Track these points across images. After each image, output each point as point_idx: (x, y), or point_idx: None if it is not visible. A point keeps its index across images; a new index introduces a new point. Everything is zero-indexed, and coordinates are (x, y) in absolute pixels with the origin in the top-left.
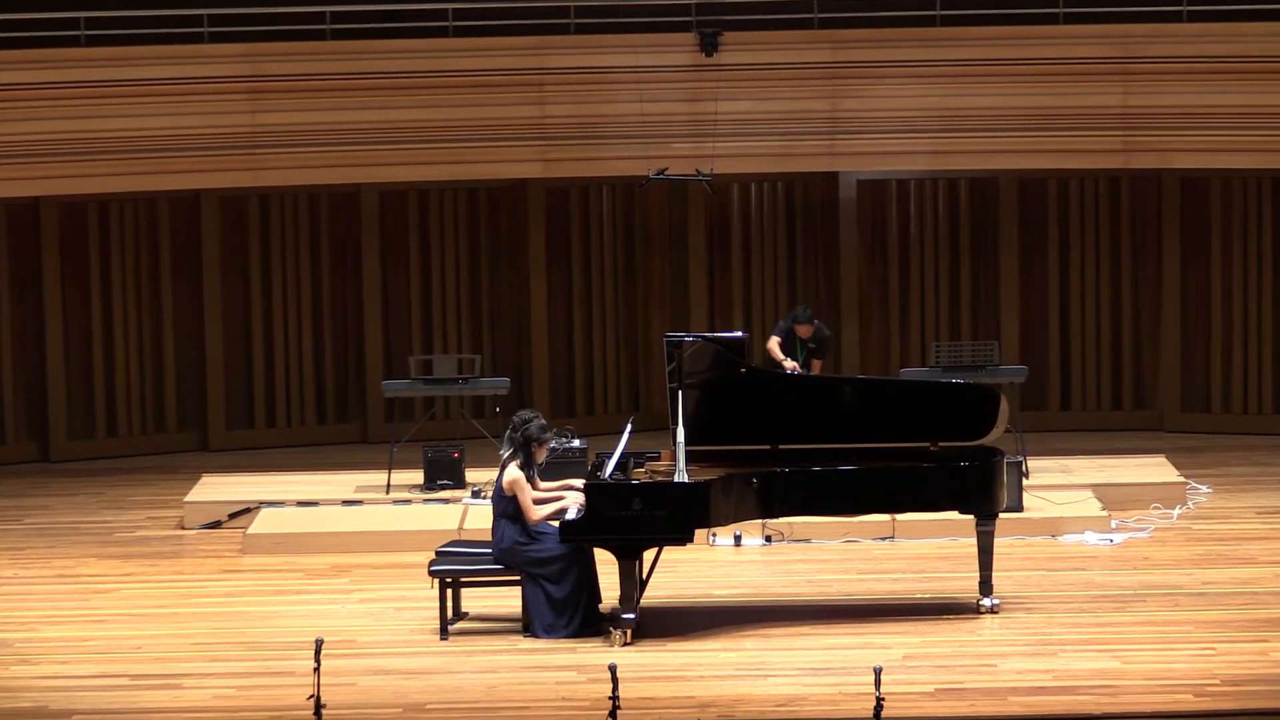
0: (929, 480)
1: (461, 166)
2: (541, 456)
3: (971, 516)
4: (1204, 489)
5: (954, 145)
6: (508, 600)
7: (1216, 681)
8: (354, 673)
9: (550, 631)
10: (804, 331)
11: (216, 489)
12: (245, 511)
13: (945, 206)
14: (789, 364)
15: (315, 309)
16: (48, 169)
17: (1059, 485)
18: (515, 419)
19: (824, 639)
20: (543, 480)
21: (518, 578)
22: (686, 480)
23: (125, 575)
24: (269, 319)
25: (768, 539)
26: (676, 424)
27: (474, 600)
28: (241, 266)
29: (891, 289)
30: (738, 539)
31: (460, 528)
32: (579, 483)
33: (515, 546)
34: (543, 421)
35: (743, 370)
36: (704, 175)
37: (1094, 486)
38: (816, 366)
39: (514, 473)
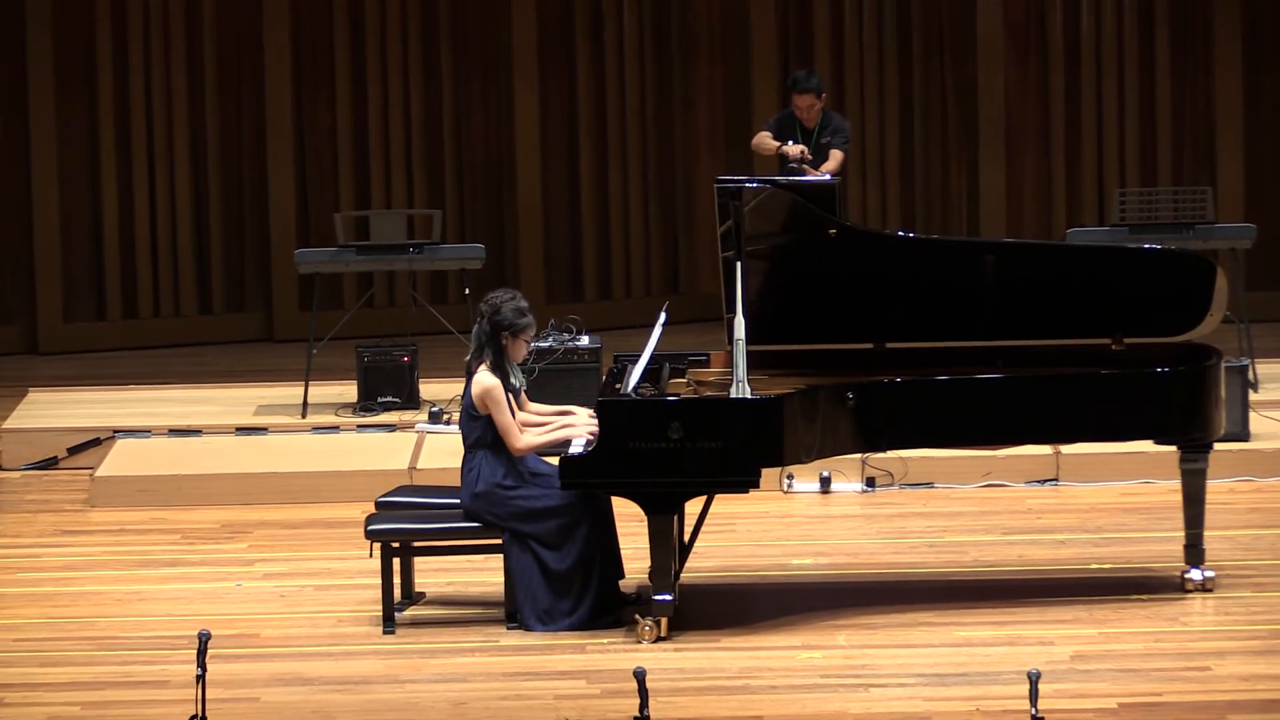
0: (1110, 394)
1: None
2: (520, 354)
3: (1173, 448)
4: None
5: None
6: (485, 574)
7: None
8: (256, 682)
9: (547, 621)
10: (804, 107)
11: (50, 410)
12: (93, 444)
13: None
14: (793, 148)
15: (195, 144)
16: None
17: None
18: (484, 302)
19: (954, 631)
20: (534, 403)
21: (499, 540)
22: (749, 395)
23: None
24: (127, 160)
25: (869, 483)
26: (734, 313)
27: (433, 574)
28: (86, 80)
29: (1054, 107)
30: (825, 483)
31: (413, 467)
32: (582, 412)
33: (496, 492)
34: (521, 303)
35: (833, 231)
36: None
37: None
38: (836, 159)
39: (486, 379)
